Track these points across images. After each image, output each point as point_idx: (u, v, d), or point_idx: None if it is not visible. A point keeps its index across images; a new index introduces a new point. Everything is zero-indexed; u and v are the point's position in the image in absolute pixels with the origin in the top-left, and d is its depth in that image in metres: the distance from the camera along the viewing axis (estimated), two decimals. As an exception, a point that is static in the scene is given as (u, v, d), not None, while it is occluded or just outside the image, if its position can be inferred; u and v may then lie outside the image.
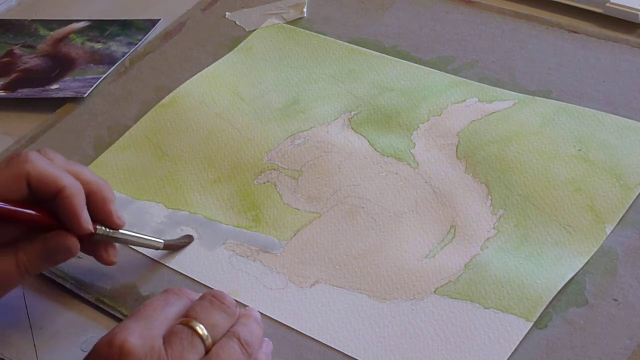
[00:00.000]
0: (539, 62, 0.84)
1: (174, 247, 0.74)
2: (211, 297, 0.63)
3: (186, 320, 0.60)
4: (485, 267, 0.68)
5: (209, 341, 0.60)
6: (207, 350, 0.60)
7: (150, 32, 0.98)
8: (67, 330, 0.71)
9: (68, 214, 0.66)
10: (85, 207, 0.67)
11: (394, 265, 0.70)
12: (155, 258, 0.74)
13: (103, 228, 0.68)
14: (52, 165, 0.67)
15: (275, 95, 0.86)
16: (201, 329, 0.60)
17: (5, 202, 0.65)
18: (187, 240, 0.75)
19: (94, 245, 0.70)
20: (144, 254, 0.74)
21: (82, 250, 0.68)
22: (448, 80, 0.84)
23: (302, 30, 0.93)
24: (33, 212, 0.66)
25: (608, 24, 0.87)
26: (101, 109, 0.89)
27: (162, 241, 0.73)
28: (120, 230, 0.69)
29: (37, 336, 0.70)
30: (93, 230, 0.67)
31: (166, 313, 0.61)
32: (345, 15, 0.94)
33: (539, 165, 0.74)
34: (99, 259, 0.70)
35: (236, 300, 0.66)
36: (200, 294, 0.64)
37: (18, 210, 0.65)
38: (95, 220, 0.68)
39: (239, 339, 0.61)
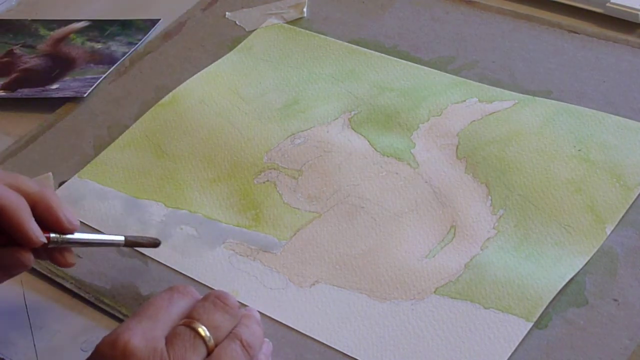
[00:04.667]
0: (539, 62, 0.84)
1: (137, 244, 0.72)
2: (214, 297, 0.63)
3: (189, 321, 0.60)
4: (485, 267, 0.68)
5: (211, 343, 0.60)
6: (209, 352, 0.60)
7: (150, 32, 0.98)
8: (67, 330, 0.71)
9: (16, 230, 0.64)
10: (32, 219, 0.65)
11: (394, 265, 0.70)
12: (155, 257, 0.74)
13: (57, 235, 0.66)
14: None
15: (275, 95, 0.86)
16: (203, 331, 0.60)
17: None
18: (153, 241, 0.73)
19: (48, 251, 0.68)
20: (143, 254, 0.74)
21: (37, 257, 0.67)
22: (448, 80, 0.84)
23: (302, 30, 0.93)
24: None
25: (608, 24, 0.87)
26: (101, 109, 0.89)
27: (122, 238, 0.70)
28: (75, 234, 0.67)
29: (37, 336, 0.70)
30: (46, 241, 0.65)
31: (170, 313, 0.61)
32: (345, 15, 0.94)
33: (539, 165, 0.74)
34: (57, 263, 0.68)
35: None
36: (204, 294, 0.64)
37: None
38: (46, 228, 0.66)
39: (241, 341, 0.61)
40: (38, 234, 0.65)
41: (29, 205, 0.65)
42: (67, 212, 0.67)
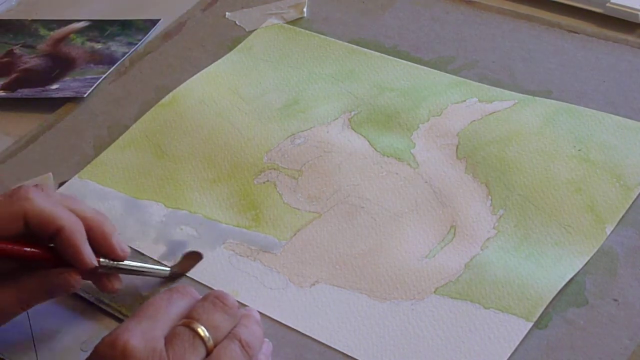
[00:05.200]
0: (539, 62, 0.84)
1: (180, 274, 0.72)
2: (213, 297, 0.63)
3: (188, 321, 0.60)
4: (485, 267, 0.68)
5: (211, 343, 0.60)
6: (209, 352, 0.60)
7: (150, 32, 0.98)
8: (67, 330, 0.71)
9: (70, 252, 0.65)
10: (87, 243, 0.66)
11: (394, 265, 0.70)
12: (155, 257, 0.74)
13: (107, 261, 0.68)
14: (50, 202, 0.66)
15: (275, 95, 0.86)
16: (203, 331, 0.60)
17: (2, 239, 0.64)
18: (195, 261, 0.73)
19: (96, 275, 0.69)
20: (143, 254, 0.74)
21: (84, 278, 0.68)
22: (448, 80, 0.84)
23: (302, 30, 0.93)
24: (37, 250, 0.66)
25: (608, 24, 0.87)
26: (101, 109, 0.89)
27: (168, 269, 0.71)
28: (125, 262, 0.69)
29: (37, 336, 0.70)
30: (97, 264, 0.67)
31: (169, 313, 0.61)
32: (345, 15, 0.94)
33: (539, 165, 0.74)
34: (102, 288, 0.69)
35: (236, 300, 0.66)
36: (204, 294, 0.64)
37: (22, 250, 0.65)
38: (98, 253, 0.67)
39: (240, 341, 0.61)
40: (91, 257, 0.66)
41: (85, 229, 0.66)
42: (120, 239, 0.68)
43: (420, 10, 0.93)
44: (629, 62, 0.83)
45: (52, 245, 0.66)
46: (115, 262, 0.68)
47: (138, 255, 0.74)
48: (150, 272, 0.71)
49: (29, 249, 0.65)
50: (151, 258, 0.74)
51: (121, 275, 0.70)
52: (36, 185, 0.67)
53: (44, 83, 0.93)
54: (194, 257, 0.73)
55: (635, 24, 0.86)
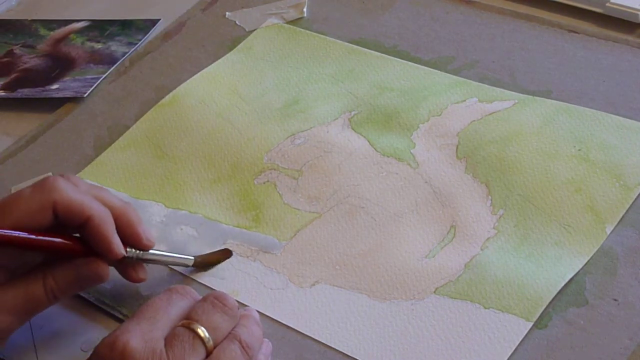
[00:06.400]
0: (539, 62, 0.84)
1: (206, 263, 0.72)
2: (213, 298, 0.63)
3: (187, 322, 0.60)
4: (485, 267, 0.68)
5: (210, 344, 0.60)
6: (209, 353, 0.60)
7: (150, 32, 0.98)
8: (67, 330, 0.71)
9: (99, 241, 0.65)
10: (115, 232, 0.66)
11: (394, 265, 0.70)
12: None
13: (133, 250, 0.68)
14: (78, 192, 0.66)
15: (275, 95, 0.86)
16: (202, 332, 0.60)
17: (32, 231, 0.64)
18: (224, 256, 0.73)
19: (122, 265, 0.69)
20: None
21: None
22: (448, 80, 0.84)
23: (302, 30, 0.93)
24: (65, 241, 0.65)
25: (608, 24, 0.87)
26: (101, 109, 0.89)
27: (192, 258, 0.71)
28: (150, 251, 0.69)
29: (37, 336, 0.70)
30: (125, 254, 0.67)
31: (169, 314, 0.61)
32: (345, 15, 0.94)
33: (539, 165, 0.74)
34: (128, 277, 0.69)
35: (236, 301, 0.66)
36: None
37: (51, 240, 0.65)
38: (124, 242, 0.67)
39: (240, 342, 0.61)
40: (119, 247, 0.66)
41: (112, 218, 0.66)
42: (146, 229, 0.68)
43: (420, 10, 0.93)
44: (629, 62, 0.83)
45: (79, 235, 0.66)
46: (141, 252, 0.68)
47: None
48: (175, 261, 0.71)
49: (58, 240, 0.65)
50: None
51: (120, 275, 0.70)
52: (62, 175, 0.67)
53: (44, 83, 0.93)
54: (223, 253, 0.73)
55: (635, 24, 0.86)
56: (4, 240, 0.63)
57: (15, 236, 0.63)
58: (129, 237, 0.67)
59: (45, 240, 0.65)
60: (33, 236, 0.64)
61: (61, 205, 0.65)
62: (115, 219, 0.66)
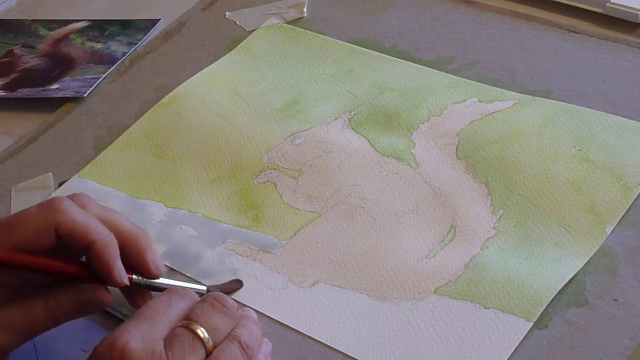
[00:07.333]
0: (539, 62, 0.84)
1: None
2: (212, 299, 0.62)
3: (187, 323, 0.60)
4: (485, 267, 0.68)
5: (210, 344, 0.60)
6: (208, 354, 0.60)
7: (150, 32, 0.98)
8: (67, 330, 0.70)
9: (102, 268, 0.62)
10: (119, 259, 0.63)
11: (394, 265, 0.70)
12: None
13: (140, 278, 0.65)
14: (85, 215, 0.63)
15: (275, 95, 0.86)
16: (202, 332, 0.60)
17: (34, 251, 0.62)
18: (236, 286, 0.71)
19: (129, 291, 0.66)
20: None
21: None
22: (448, 80, 0.84)
23: (302, 30, 0.93)
24: (66, 264, 0.63)
25: (608, 24, 0.87)
26: (101, 109, 0.89)
27: (204, 288, 0.69)
28: (158, 280, 0.66)
29: (37, 336, 0.70)
30: (128, 283, 0.64)
31: (168, 315, 0.61)
32: (345, 15, 0.94)
33: (539, 165, 0.74)
34: (134, 305, 0.67)
35: (236, 301, 0.66)
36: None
37: (51, 263, 0.63)
38: (131, 269, 0.64)
39: (239, 342, 0.61)
40: (122, 275, 0.63)
41: (119, 243, 0.64)
42: (156, 256, 0.66)
43: (420, 10, 0.93)
44: (629, 62, 0.83)
45: (84, 259, 0.64)
46: (148, 280, 0.65)
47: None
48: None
49: (59, 263, 0.63)
50: (184, 275, 0.72)
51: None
52: (73, 195, 0.65)
53: (44, 83, 0.93)
54: (235, 283, 0.71)
55: (635, 24, 0.86)
56: (3, 262, 0.61)
57: (14, 257, 0.62)
58: (136, 264, 0.65)
59: (48, 263, 0.63)
60: (34, 258, 0.62)
61: (65, 227, 0.62)
62: (123, 244, 0.64)
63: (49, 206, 0.63)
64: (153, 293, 0.66)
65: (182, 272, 0.73)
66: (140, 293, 0.66)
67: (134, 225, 0.66)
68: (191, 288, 0.67)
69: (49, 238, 0.62)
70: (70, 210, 0.63)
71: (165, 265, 0.69)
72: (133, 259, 0.65)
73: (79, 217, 0.63)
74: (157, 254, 0.66)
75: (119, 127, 0.87)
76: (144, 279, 0.65)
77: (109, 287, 0.64)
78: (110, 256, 0.62)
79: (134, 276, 0.65)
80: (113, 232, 0.64)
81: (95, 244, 0.62)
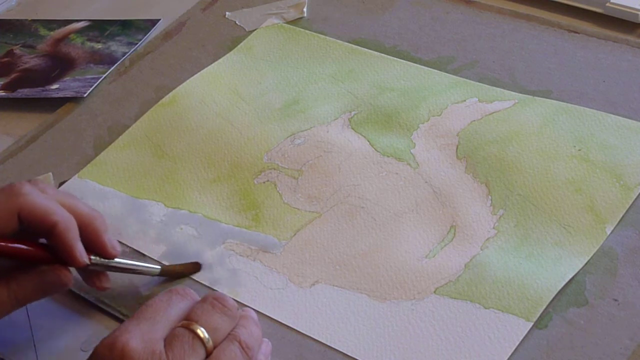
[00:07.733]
0: (539, 62, 0.84)
1: (172, 273, 0.72)
2: (212, 299, 0.63)
3: (187, 323, 0.60)
4: (485, 267, 0.68)
5: (210, 344, 0.60)
6: (208, 354, 0.60)
7: (150, 32, 0.98)
8: (67, 330, 0.71)
9: (63, 249, 0.65)
10: (79, 240, 0.66)
11: (394, 265, 0.70)
12: (155, 257, 0.74)
13: (98, 258, 0.68)
14: (45, 198, 0.65)
15: (275, 95, 0.86)
16: (202, 332, 0.60)
17: None
18: (192, 267, 0.73)
19: (87, 272, 0.69)
20: (142, 253, 0.74)
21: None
22: (448, 80, 0.84)
23: (302, 30, 0.93)
24: (29, 247, 0.65)
25: (608, 24, 0.87)
26: (101, 109, 0.89)
27: (158, 267, 0.71)
28: (115, 260, 0.69)
29: (37, 336, 0.70)
30: (89, 262, 0.67)
31: (168, 315, 0.61)
32: (345, 15, 0.94)
33: (539, 165, 0.74)
34: (92, 285, 0.69)
35: (236, 301, 0.66)
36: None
37: (14, 247, 0.64)
38: (89, 250, 0.67)
39: (239, 342, 0.61)
40: (82, 255, 0.66)
41: (78, 225, 0.66)
42: (112, 238, 0.68)
43: (420, 10, 0.93)
44: (629, 62, 0.83)
45: (45, 242, 0.66)
46: (106, 260, 0.68)
47: (137, 254, 0.74)
48: (141, 270, 0.71)
49: (22, 247, 0.65)
50: (150, 257, 0.74)
51: (121, 275, 0.70)
52: (30, 181, 0.67)
53: (44, 83, 0.93)
54: (192, 265, 0.73)
55: (635, 24, 0.86)
56: None
57: None
58: (94, 245, 0.67)
59: (10, 247, 0.64)
60: None
61: (26, 210, 0.64)
62: (81, 226, 0.66)
63: (10, 190, 0.65)
64: (111, 275, 0.70)
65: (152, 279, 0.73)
66: (97, 274, 0.69)
67: (91, 208, 0.68)
68: (145, 266, 0.70)
69: (12, 222, 0.64)
70: (31, 194, 0.65)
71: (128, 246, 0.73)
72: (91, 241, 0.67)
73: (40, 200, 0.65)
74: (112, 236, 0.68)
75: (119, 127, 0.87)
76: (102, 259, 0.68)
77: (69, 268, 0.66)
78: (71, 237, 0.65)
79: (92, 257, 0.67)
80: (72, 215, 0.66)
81: (57, 225, 0.64)
